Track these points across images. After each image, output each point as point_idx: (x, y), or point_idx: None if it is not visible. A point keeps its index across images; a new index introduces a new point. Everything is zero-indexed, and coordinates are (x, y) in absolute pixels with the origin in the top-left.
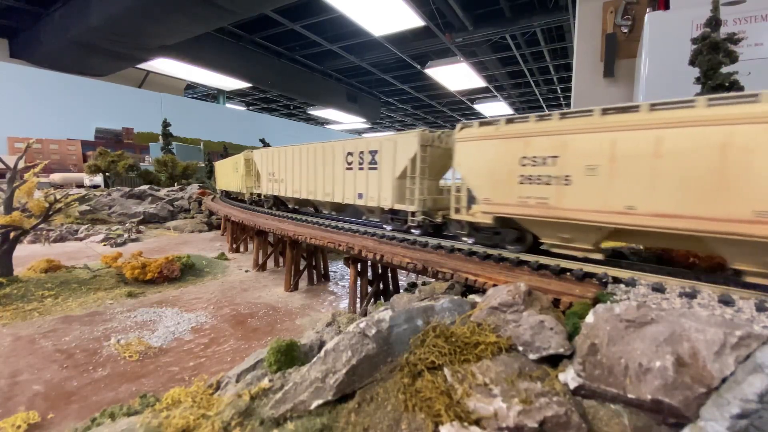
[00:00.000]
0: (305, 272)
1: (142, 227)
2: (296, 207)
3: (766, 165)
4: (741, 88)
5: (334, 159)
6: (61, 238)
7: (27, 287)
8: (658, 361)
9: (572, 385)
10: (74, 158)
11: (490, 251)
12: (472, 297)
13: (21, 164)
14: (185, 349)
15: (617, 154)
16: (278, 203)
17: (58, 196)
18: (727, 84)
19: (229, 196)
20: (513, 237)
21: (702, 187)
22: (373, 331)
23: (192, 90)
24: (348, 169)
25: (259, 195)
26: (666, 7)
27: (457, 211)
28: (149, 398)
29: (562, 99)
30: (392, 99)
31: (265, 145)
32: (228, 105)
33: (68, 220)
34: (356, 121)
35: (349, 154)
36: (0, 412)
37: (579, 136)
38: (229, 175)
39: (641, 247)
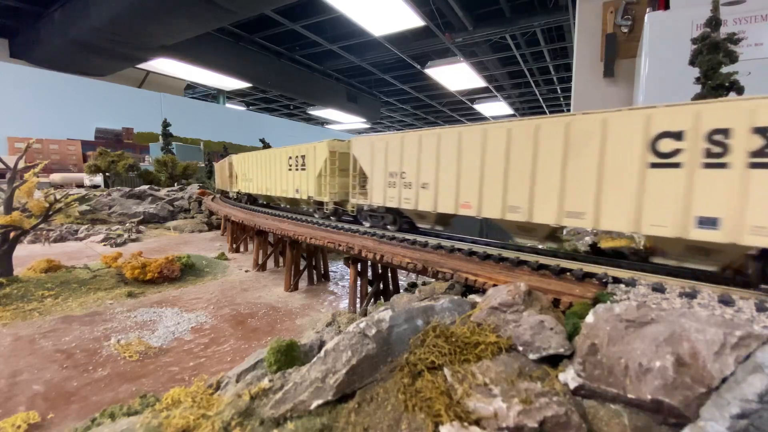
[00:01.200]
0: (305, 272)
1: (142, 227)
2: (437, 228)
3: None
4: (741, 88)
5: (617, 147)
6: (61, 238)
7: (27, 287)
8: (658, 361)
9: (572, 385)
10: (74, 158)
11: (491, 251)
12: (472, 297)
13: (21, 164)
14: (185, 349)
15: None
16: (397, 219)
17: (58, 196)
18: (727, 84)
19: (254, 201)
20: None
21: None
22: (373, 331)
23: (192, 90)
24: (662, 165)
25: (346, 206)
26: (666, 7)
27: None
28: (149, 398)
29: (562, 99)
30: (392, 99)
31: (265, 145)
32: (228, 105)
33: (68, 220)
34: (356, 121)
35: (669, 135)
36: (0, 412)
37: None
38: (274, 173)
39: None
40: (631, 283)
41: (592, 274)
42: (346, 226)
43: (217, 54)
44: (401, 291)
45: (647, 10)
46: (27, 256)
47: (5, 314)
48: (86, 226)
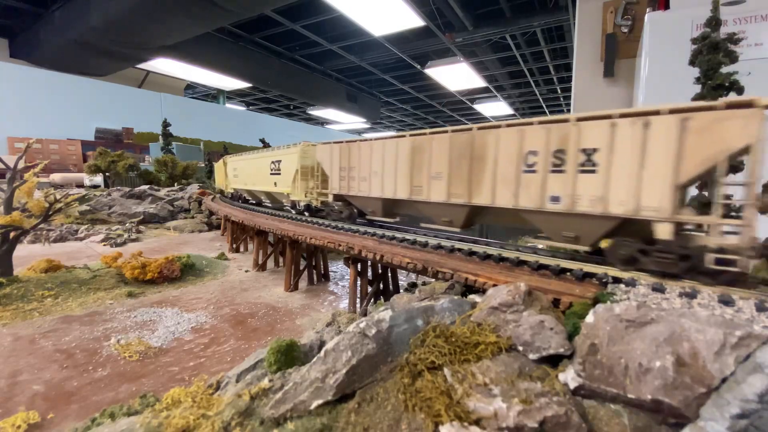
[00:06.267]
0: (305, 272)
1: (142, 227)
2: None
3: None
4: (741, 89)
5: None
6: (61, 238)
7: (27, 287)
8: (658, 361)
9: (572, 385)
10: (74, 158)
11: (491, 251)
12: (472, 297)
13: (21, 164)
14: (185, 349)
15: None
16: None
17: (58, 196)
18: (727, 84)
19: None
20: None
21: None
22: (373, 331)
23: (192, 90)
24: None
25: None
26: (666, 7)
27: None
28: (149, 398)
29: (562, 99)
30: (392, 99)
31: (266, 145)
32: (228, 105)
33: (68, 220)
34: (356, 121)
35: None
36: (0, 412)
37: None
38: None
39: None
40: (631, 283)
41: (592, 274)
42: (346, 226)
43: (217, 54)
44: (401, 291)
45: (647, 10)
46: (27, 256)
47: (5, 314)
48: (86, 226)
